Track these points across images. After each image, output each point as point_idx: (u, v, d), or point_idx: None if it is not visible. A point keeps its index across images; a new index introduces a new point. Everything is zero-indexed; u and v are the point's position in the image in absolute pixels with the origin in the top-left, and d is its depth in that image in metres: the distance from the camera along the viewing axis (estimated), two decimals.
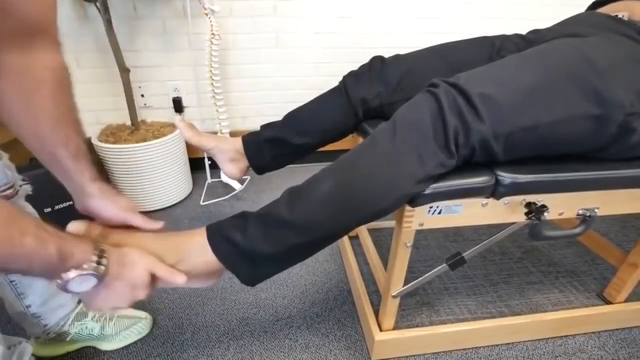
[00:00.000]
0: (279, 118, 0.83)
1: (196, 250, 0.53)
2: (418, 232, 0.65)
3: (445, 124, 0.51)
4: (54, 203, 1.03)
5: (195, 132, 0.80)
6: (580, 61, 0.55)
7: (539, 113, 0.53)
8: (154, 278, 0.50)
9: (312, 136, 0.80)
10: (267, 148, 0.80)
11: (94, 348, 0.82)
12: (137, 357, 0.80)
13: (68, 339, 0.78)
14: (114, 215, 0.53)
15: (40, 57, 0.46)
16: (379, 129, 0.56)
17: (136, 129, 1.34)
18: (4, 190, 0.59)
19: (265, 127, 0.82)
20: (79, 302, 0.81)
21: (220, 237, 0.53)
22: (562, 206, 0.64)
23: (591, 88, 0.53)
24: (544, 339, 0.86)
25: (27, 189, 0.66)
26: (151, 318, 0.88)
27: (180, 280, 0.50)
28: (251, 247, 0.52)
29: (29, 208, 0.67)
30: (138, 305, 0.91)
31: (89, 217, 0.54)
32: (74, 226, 0.50)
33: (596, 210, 0.64)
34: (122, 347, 0.82)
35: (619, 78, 0.54)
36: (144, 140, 1.25)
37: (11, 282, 0.67)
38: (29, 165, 1.06)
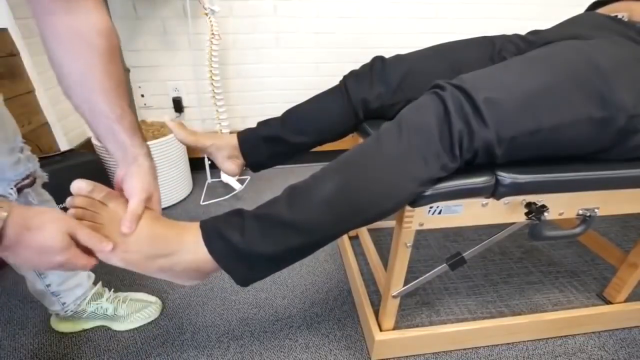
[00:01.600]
0: None
1: (188, 246, 0.51)
2: (418, 232, 0.65)
3: (451, 128, 0.51)
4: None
5: (188, 132, 0.78)
6: (584, 64, 0.54)
7: (543, 117, 0.52)
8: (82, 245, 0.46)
9: (311, 135, 0.79)
10: (264, 146, 0.80)
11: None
12: (137, 357, 0.80)
13: (84, 316, 0.85)
14: (128, 191, 0.51)
15: (87, 18, 0.46)
16: (383, 129, 0.55)
17: None
18: (24, 180, 0.61)
19: (262, 124, 0.81)
20: (95, 282, 0.87)
21: (216, 235, 0.52)
22: (562, 206, 0.64)
23: (595, 91, 0.53)
24: (544, 339, 0.86)
25: (44, 176, 0.69)
26: (160, 303, 0.93)
27: (106, 247, 0.46)
28: (249, 247, 0.51)
29: (46, 195, 0.71)
30: (148, 289, 0.97)
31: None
32: (76, 185, 0.48)
33: (596, 210, 0.64)
34: (122, 347, 0.82)
35: (622, 80, 0.54)
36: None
37: None
38: None
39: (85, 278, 0.83)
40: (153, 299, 0.93)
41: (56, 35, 0.45)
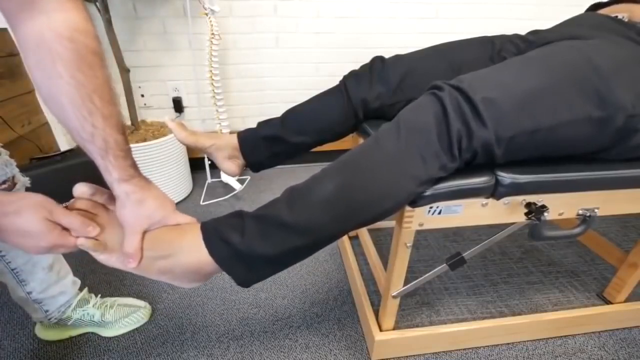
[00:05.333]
0: None
1: (189, 247, 0.51)
2: (418, 232, 0.65)
3: (449, 128, 0.51)
4: None
5: (189, 132, 0.78)
6: (583, 64, 0.54)
7: (541, 117, 0.53)
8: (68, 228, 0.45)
9: (311, 135, 0.79)
10: (264, 146, 0.80)
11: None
12: (137, 357, 0.80)
13: (70, 323, 0.82)
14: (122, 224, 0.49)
15: (50, 19, 0.39)
16: (382, 130, 0.55)
17: (136, 129, 1.34)
18: (1, 185, 0.60)
19: (263, 124, 0.81)
20: (81, 288, 0.84)
21: (217, 237, 0.52)
22: (562, 206, 0.64)
23: (594, 90, 0.53)
24: (544, 339, 0.86)
25: (26, 181, 0.67)
26: (150, 307, 0.91)
27: (92, 232, 0.46)
28: (249, 248, 0.51)
29: None
30: (138, 294, 0.96)
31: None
32: (79, 189, 0.49)
33: (596, 210, 0.64)
34: (122, 347, 0.82)
35: (621, 80, 0.54)
36: (144, 140, 1.25)
37: (12, 270, 0.69)
38: (29, 165, 1.06)
39: (69, 285, 0.80)
40: (142, 303, 0.90)
41: (23, 42, 0.40)
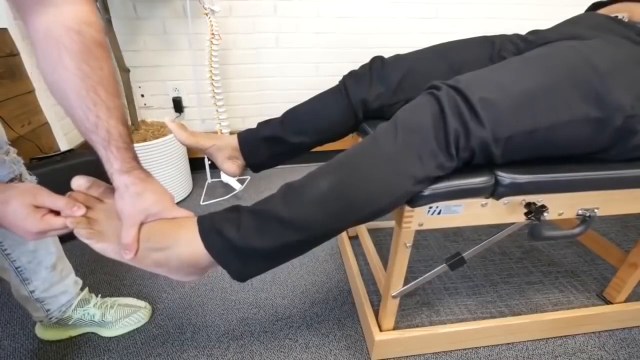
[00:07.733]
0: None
1: (185, 241, 0.51)
2: (418, 232, 0.65)
3: (446, 127, 0.51)
4: None
5: (189, 133, 0.78)
6: (581, 64, 0.54)
7: (539, 117, 0.53)
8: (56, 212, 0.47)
9: (311, 135, 0.79)
10: (264, 146, 0.80)
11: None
12: (137, 357, 0.80)
13: (70, 323, 0.82)
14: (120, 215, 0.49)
15: (58, 13, 0.40)
16: (380, 129, 0.56)
17: (136, 129, 1.34)
18: (8, 182, 0.60)
19: (262, 124, 0.81)
20: (82, 288, 0.84)
21: (213, 230, 0.52)
22: (561, 206, 0.64)
23: (592, 91, 0.53)
24: (544, 339, 0.86)
25: (32, 179, 0.68)
26: (150, 308, 0.91)
27: (77, 212, 0.47)
28: (245, 242, 0.51)
29: None
30: (138, 294, 0.96)
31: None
32: (76, 182, 0.50)
33: (596, 210, 0.64)
34: (122, 347, 0.82)
35: (620, 80, 0.54)
36: (144, 140, 1.25)
37: (17, 268, 0.70)
38: (29, 165, 1.06)
39: (71, 285, 0.80)
40: (142, 303, 0.91)
41: (33, 34, 0.41)
